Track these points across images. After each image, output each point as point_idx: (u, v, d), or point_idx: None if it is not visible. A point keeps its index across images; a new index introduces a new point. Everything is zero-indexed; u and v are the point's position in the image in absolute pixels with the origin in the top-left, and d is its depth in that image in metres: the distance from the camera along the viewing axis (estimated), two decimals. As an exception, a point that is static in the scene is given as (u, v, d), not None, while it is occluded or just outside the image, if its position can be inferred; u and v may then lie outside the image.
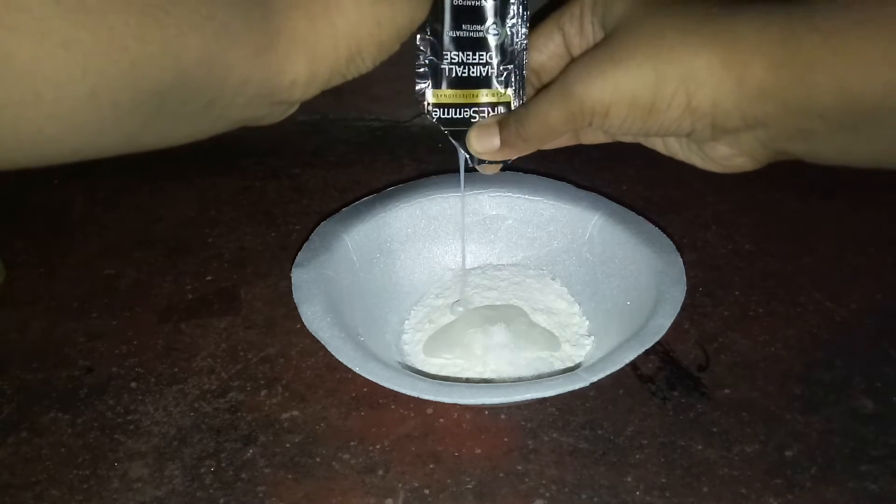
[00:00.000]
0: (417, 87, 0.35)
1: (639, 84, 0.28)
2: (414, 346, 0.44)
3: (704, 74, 0.27)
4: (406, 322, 0.46)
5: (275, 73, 0.25)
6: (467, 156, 0.36)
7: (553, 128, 0.31)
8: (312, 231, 0.45)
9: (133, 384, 0.44)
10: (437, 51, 0.35)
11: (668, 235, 0.44)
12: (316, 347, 0.42)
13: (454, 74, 0.35)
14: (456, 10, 0.34)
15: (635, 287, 0.42)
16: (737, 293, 0.49)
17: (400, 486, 0.37)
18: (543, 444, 0.39)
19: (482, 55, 0.35)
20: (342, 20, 0.27)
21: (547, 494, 0.37)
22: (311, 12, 0.26)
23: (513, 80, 0.36)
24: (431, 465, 0.38)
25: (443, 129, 0.36)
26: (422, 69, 0.35)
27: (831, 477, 0.37)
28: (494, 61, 0.35)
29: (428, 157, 0.66)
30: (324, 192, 0.61)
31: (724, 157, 0.31)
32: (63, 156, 0.22)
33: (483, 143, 0.35)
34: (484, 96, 0.36)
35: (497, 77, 0.36)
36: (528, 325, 0.44)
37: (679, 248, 0.42)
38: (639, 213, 0.46)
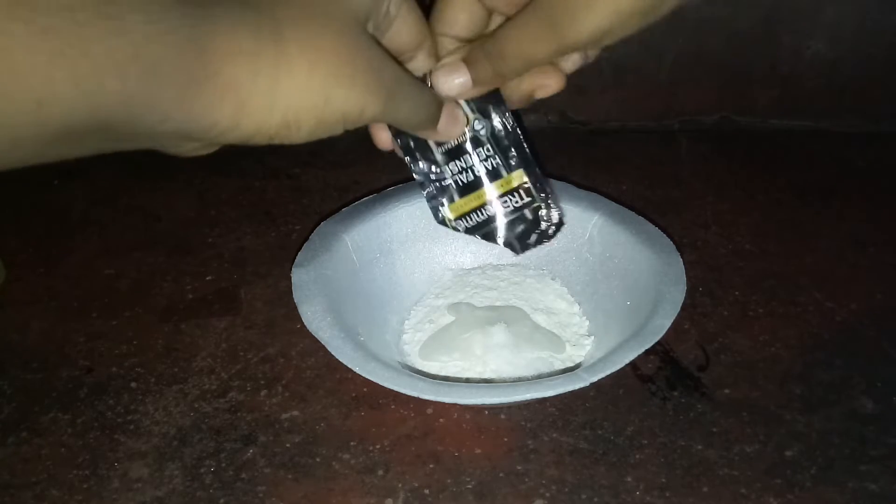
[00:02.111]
0: (435, 212, 0.36)
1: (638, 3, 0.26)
2: (414, 347, 0.44)
3: None
4: (406, 322, 0.46)
5: (196, 116, 0.24)
6: (509, 247, 0.36)
7: (536, 63, 0.30)
8: (312, 231, 0.45)
9: (133, 384, 0.44)
10: (437, 171, 0.35)
11: (668, 235, 0.44)
12: (316, 347, 0.42)
13: (461, 183, 0.35)
14: None
15: (635, 287, 0.42)
16: (737, 293, 0.49)
17: (400, 486, 0.37)
18: (543, 444, 0.39)
19: (480, 151, 0.35)
20: (287, 83, 0.25)
21: (547, 494, 0.37)
22: (256, 65, 0.24)
23: (518, 158, 0.35)
24: (431, 465, 0.38)
25: (476, 237, 0.36)
26: (430, 191, 0.35)
27: (831, 477, 0.37)
28: (493, 152, 0.35)
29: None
30: (324, 192, 0.61)
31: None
32: None
33: (451, 85, 0.32)
34: (498, 188, 0.36)
35: (503, 165, 0.35)
36: (532, 327, 0.44)
37: (679, 248, 0.42)
38: (639, 213, 0.46)
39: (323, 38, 0.26)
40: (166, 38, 0.22)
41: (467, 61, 0.32)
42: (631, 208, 0.47)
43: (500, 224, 0.36)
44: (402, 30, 0.31)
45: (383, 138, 0.34)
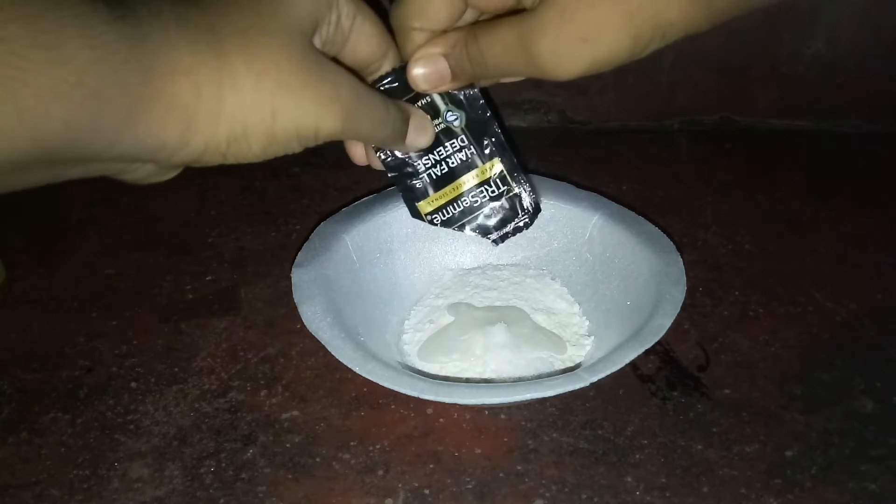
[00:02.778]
0: (410, 207, 0.36)
1: (617, 52, 0.27)
2: (414, 347, 0.44)
3: (676, 17, 0.26)
4: (406, 322, 0.46)
5: (143, 137, 0.23)
6: (487, 238, 0.37)
7: (510, 78, 0.31)
8: (312, 231, 0.45)
9: (133, 384, 0.44)
10: (410, 165, 0.35)
11: (668, 235, 0.44)
12: (316, 347, 0.41)
13: (435, 176, 0.35)
14: None
15: (635, 287, 0.42)
16: (737, 293, 0.49)
17: (400, 486, 0.37)
18: (543, 444, 0.39)
19: (454, 143, 0.35)
20: (233, 98, 0.25)
21: (547, 494, 0.37)
22: (198, 81, 0.24)
23: (494, 147, 0.35)
24: (431, 465, 0.38)
25: (452, 230, 0.36)
26: (403, 186, 0.35)
27: (831, 477, 0.37)
28: (468, 142, 0.35)
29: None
30: (324, 192, 0.61)
31: None
32: None
33: (428, 78, 0.32)
34: (474, 178, 0.35)
35: (478, 154, 0.35)
36: (532, 327, 0.44)
37: (679, 248, 0.42)
38: (639, 213, 0.46)
39: (268, 50, 0.26)
40: (106, 61, 0.21)
41: (447, 56, 0.31)
42: (631, 208, 0.47)
43: (476, 216, 0.36)
44: (360, 42, 0.31)
45: (357, 154, 0.34)
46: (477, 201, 0.36)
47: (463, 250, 0.50)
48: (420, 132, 0.34)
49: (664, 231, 0.44)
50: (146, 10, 0.23)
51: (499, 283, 0.48)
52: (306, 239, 0.44)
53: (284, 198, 0.61)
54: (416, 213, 0.36)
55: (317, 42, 0.29)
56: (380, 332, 0.44)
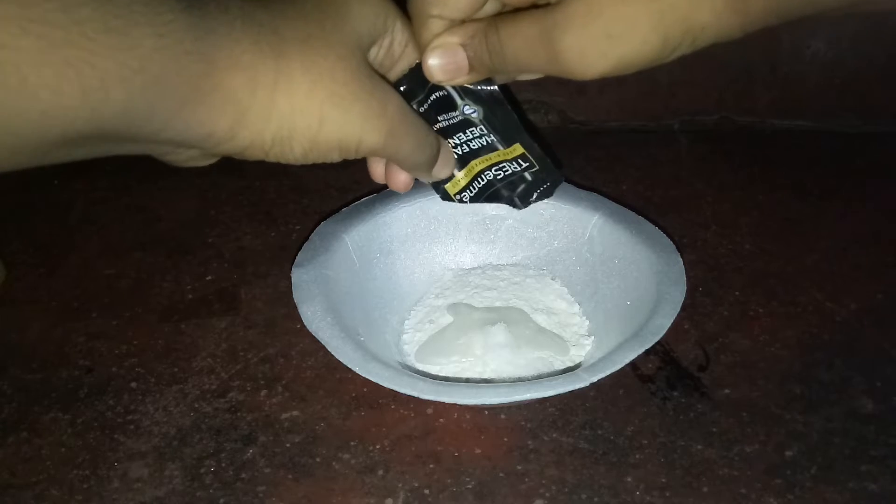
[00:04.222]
0: (438, 193, 0.36)
1: (645, 53, 0.26)
2: (414, 347, 0.44)
3: (709, 20, 0.25)
4: (406, 322, 0.46)
5: (195, 125, 0.24)
6: (512, 204, 0.36)
7: (530, 74, 0.30)
8: (312, 231, 0.45)
9: (133, 384, 0.44)
10: None
11: (668, 235, 0.44)
12: (316, 347, 0.42)
13: (456, 155, 0.35)
14: (428, 109, 0.33)
15: (635, 287, 0.42)
16: (737, 293, 0.49)
17: (400, 486, 0.37)
18: (543, 444, 0.39)
19: (472, 131, 0.34)
20: (285, 100, 0.25)
21: (547, 494, 0.37)
22: (255, 79, 0.25)
23: (514, 133, 0.35)
24: (431, 465, 0.38)
25: (480, 202, 0.36)
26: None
27: (831, 477, 0.37)
28: (488, 131, 0.34)
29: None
30: (324, 192, 0.61)
31: None
32: None
33: (445, 68, 0.31)
34: (496, 157, 0.35)
35: (498, 141, 0.35)
36: (532, 327, 0.44)
37: (679, 248, 0.42)
38: (639, 213, 0.46)
39: (327, 60, 0.26)
40: (170, 50, 0.22)
41: (465, 47, 0.30)
42: (631, 208, 0.47)
43: (500, 188, 0.36)
44: (406, 69, 0.31)
45: (377, 171, 0.34)
46: (500, 174, 0.36)
47: (463, 250, 0.50)
48: (445, 164, 0.34)
49: (664, 231, 0.44)
50: (214, 4, 0.24)
51: (499, 284, 0.48)
52: (306, 239, 0.44)
53: (284, 198, 0.61)
54: (445, 196, 0.36)
55: (371, 59, 0.29)
56: (380, 332, 0.44)
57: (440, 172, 0.34)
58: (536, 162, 0.35)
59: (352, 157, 0.29)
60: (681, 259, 0.42)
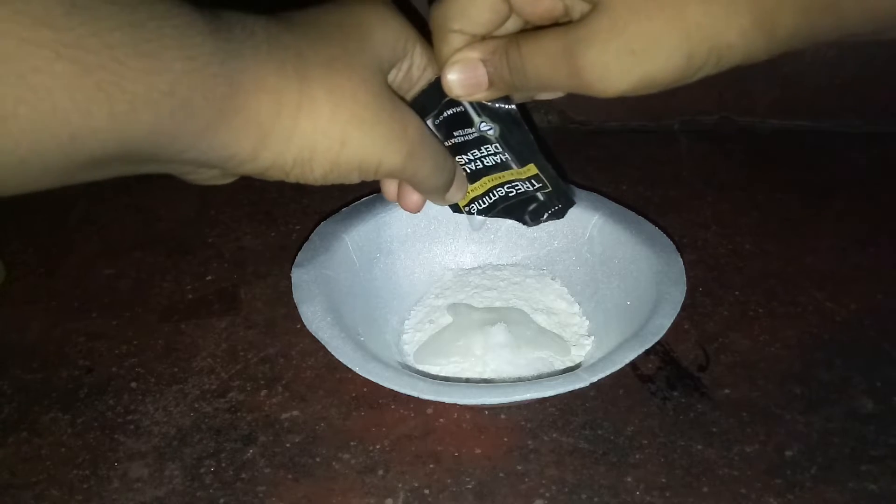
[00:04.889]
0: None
1: (669, 70, 0.25)
2: (414, 347, 0.44)
3: (735, 39, 0.24)
4: (406, 322, 0.46)
5: (218, 146, 0.24)
6: (525, 223, 0.37)
7: (550, 91, 0.31)
8: (312, 231, 0.45)
9: (133, 384, 0.44)
10: None
11: (668, 235, 0.44)
12: (316, 347, 0.42)
13: (469, 171, 0.35)
14: (442, 124, 0.33)
15: (635, 287, 0.42)
16: (737, 293, 0.49)
17: (400, 486, 0.37)
18: (543, 444, 0.39)
19: (487, 148, 0.34)
20: (307, 121, 0.26)
21: (547, 494, 0.37)
22: (279, 101, 0.25)
23: (528, 154, 0.34)
24: (431, 465, 0.38)
25: (490, 217, 0.36)
26: None
27: (831, 477, 0.37)
28: (502, 149, 0.34)
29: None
30: (324, 192, 0.61)
31: None
32: None
33: (464, 83, 0.30)
34: (508, 176, 0.35)
35: (512, 160, 0.35)
36: (532, 328, 0.44)
37: (679, 248, 0.42)
38: (639, 213, 0.46)
39: (350, 82, 0.26)
40: (199, 73, 0.22)
41: (486, 62, 0.30)
42: (631, 208, 0.47)
43: (511, 204, 0.36)
44: (419, 83, 0.32)
45: (390, 191, 0.34)
46: (512, 191, 0.36)
47: (463, 250, 0.50)
48: (459, 188, 0.35)
49: (664, 231, 0.44)
50: (240, 28, 0.24)
51: (499, 284, 0.48)
52: (306, 239, 0.44)
53: (284, 198, 0.61)
54: (455, 207, 0.36)
55: (391, 80, 0.30)
56: (380, 332, 0.44)
57: (454, 196, 0.35)
58: (549, 183, 0.35)
59: (370, 178, 0.29)
60: (681, 259, 0.42)
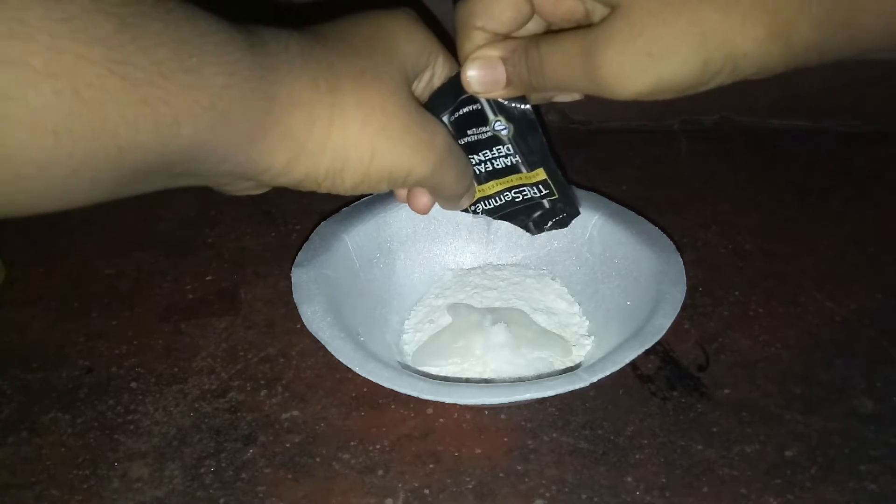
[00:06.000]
0: None
1: (684, 75, 0.26)
2: (414, 347, 0.44)
3: (751, 48, 0.25)
4: (406, 322, 0.46)
5: (254, 159, 0.25)
6: (528, 230, 0.37)
7: (569, 93, 0.31)
8: (312, 231, 0.45)
9: (133, 384, 0.44)
10: None
11: (668, 235, 0.44)
12: (316, 347, 0.42)
13: (478, 172, 0.35)
14: (457, 121, 0.33)
15: (635, 287, 0.42)
16: (737, 293, 0.49)
17: (400, 486, 0.37)
18: (543, 444, 0.39)
19: (500, 149, 0.34)
20: (340, 134, 0.26)
21: (547, 494, 0.37)
22: (312, 115, 0.25)
23: (539, 158, 0.35)
24: (431, 465, 0.38)
25: (493, 218, 0.37)
26: None
27: (831, 477, 0.37)
28: (514, 151, 0.34)
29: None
30: (324, 193, 0.61)
31: None
32: (20, 213, 0.22)
33: (483, 80, 0.31)
34: (517, 180, 0.35)
35: (523, 163, 0.35)
36: (533, 328, 0.44)
37: (679, 248, 0.42)
38: (639, 213, 0.46)
39: (379, 94, 0.27)
40: (238, 88, 0.23)
41: (505, 61, 0.31)
42: (631, 208, 0.47)
43: (516, 210, 0.37)
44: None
45: (401, 194, 0.34)
46: (519, 197, 0.36)
47: (463, 250, 0.50)
48: (471, 194, 0.36)
49: (664, 231, 0.44)
50: (275, 43, 0.25)
51: (499, 284, 0.48)
52: (306, 239, 0.44)
53: (284, 198, 0.61)
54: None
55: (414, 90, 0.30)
56: (380, 332, 0.44)
57: (466, 202, 0.36)
58: (557, 190, 0.36)
59: (399, 187, 0.30)
60: (681, 259, 0.42)
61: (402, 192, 0.34)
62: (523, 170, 0.35)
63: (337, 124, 0.26)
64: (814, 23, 0.25)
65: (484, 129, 0.34)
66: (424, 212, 0.34)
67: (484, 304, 0.46)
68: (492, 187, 0.36)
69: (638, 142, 0.67)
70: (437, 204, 0.35)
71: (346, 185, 0.28)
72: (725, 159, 0.65)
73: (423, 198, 0.33)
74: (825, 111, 0.68)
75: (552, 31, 0.31)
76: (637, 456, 0.38)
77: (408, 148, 0.28)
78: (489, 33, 0.31)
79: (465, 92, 0.32)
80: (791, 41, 0.25)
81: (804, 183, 0.61)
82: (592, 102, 0.75)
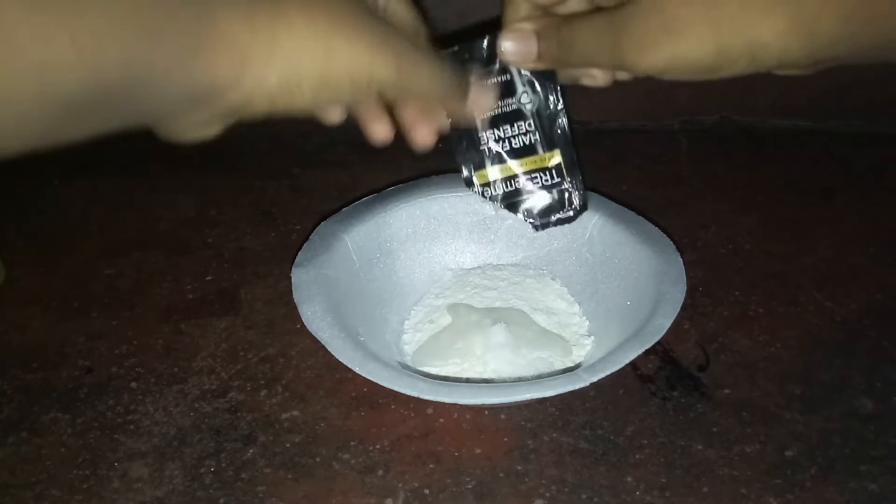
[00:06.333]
0: (464, 174, 0.37)
1: (698, 55, 0.27)
2: (413, 347, 0.44)
3: (770, 38, 0.25)
4: (406, 322, 0.46)
5: (197, 75, 0.23)
6: (529, 222, 0.38)
7: (594, 67, 0.32)
8: (312, 231, 0.45)
9: (133, 384, 0.44)
10: (471, 133, 0.36)
11: (668, 235, 0.44)
12: (316, 347, 0.42)
13: (495, 151, 0.36)
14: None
15: (635, 287, 0.42)
16: (737, 293, 0.49)
17: (400, 486, 0.37)
18: (543, 444, 0.39)
19: (520, 125, 0.35)
20: (286, 37, 0.25)
21: (547, 494, 0.37)
22: (254, 20, 0.24)
23: (558, 139, 0.36)
24: (431, 465, 0.38)
25: (499, 204, 0.37)
26: (460, 147, 0.36)
27: (831, 477, 0.37)
28: (535, 128, 0.36)
29: (428, 157, 0.66)
30: (324, 193, 0.61)
31: None
32: None
33: (516, 50, 0.33)
34: (531, 163, 0.36)
35: (541, 143, 0.36)
36: (533, 328, 0.44)
37: (679, 248, 0.42)
38: (639, 213, 0.46)
39: (324, 1, 0.26)
40: (163, 1, 0.22)
41: (538, 35, 0.32)
42: (631, 208, 0.47)
43: (526, 198, 0.37)
44: (392, 21, 0.31)
45: (378, 130, 0.33)
46: (529, 185, 0.37)
47: (463, 250, 0.50)
48: (484, 92, 0.35)
49: (664, 231, 0.44)
50: None
51: (499, 284, 0.48)
52: (306, 239, 0.44)
53: (284, 198, 0.61)
54: (469, 182, 0.37)
55: None
56: (380, 332, 0.44)
57: (480, 103, 0.35)
58: (568, 174, 0.36)
59: (364, 93, 0.28)
60: (681, 259, 0.42)
61: (382, 129, 0.33)
62: (540, 150, 0.36)
63: (283, 31, 0.25)
64: (839, 17, 0.25)
65: (510, 100, 0.35)
66: (427, 138, 0.33)
67: (484, 304, 0.46)
68: (504, 170, 0.36)
69: (638, 142, 0.67)
70: (455, 117, 0.35)
71: (304, 95, 0.26)
72: (725, 159, 0.65)
73: (422, 124, 0.33)
74: (825, 111, 0.68)
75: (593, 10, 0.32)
76: (637, 456, 0.38)
77: (363, 44, 0.26)
78: (531, 3, 0.32)
79: (495, 61, 0.34)
80: (815, 35, 0.25)
81: (804, 183, 0.61)
82: (592, 102, 0.75)
